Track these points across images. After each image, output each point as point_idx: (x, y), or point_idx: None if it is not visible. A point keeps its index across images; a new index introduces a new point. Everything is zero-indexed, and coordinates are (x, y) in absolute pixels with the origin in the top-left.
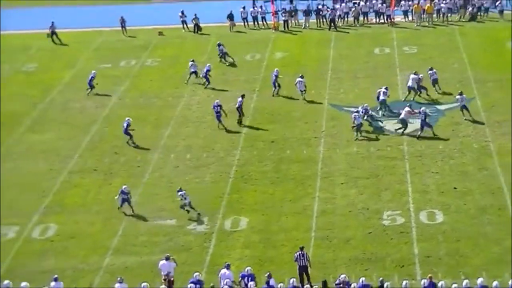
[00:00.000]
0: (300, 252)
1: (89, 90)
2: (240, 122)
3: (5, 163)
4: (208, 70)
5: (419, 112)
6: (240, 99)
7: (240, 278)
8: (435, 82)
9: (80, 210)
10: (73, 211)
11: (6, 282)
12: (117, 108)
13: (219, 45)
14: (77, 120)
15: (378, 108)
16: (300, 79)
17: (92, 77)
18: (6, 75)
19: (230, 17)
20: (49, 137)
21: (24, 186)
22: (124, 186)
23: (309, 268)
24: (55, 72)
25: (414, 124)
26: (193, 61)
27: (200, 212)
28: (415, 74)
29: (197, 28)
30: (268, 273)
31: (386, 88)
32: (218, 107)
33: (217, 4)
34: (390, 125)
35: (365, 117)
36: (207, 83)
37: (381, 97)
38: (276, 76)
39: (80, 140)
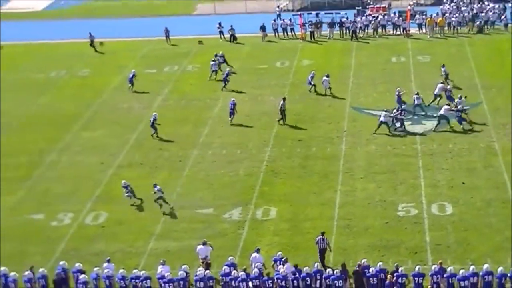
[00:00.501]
0: (320, 237)
1: (130, 86)
2: (280, 121)
3: (62, 157)
4: (227, 74)
5: (456, 110)
6: (282, 102)
7: (273, 262)
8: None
9: (127, 199)
10: (121, 201)
11: (61, 262)
12: (161, 109)
13: (216, 55)
14: (125, 119)
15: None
16: (325, 78)
17: (132, 75)
18: (63, 79)
19: (263, 28)
20: (100, 135)
21: (79, 178)
22: (123, 181)
23: (328, 251)
24: (106, 77)
25: (427, 125)
26: (214, 60)
27: (173, 206)
28: (441, 83)
29: (233, 38)
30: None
31: (417, 94)
32: (233, 105)
33: (251, 16)
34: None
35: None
36: (223, 85)
37: (416, 102)
38: (312, 78)
39: (128, 137)
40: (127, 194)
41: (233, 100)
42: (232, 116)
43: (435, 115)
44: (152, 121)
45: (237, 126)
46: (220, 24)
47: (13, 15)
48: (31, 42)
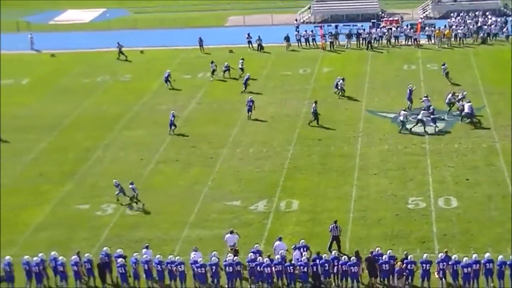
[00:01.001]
0: (334, 225)
1: (166, 85)
2: (312, 122)
3: (106, 154)
4: (247, 79)
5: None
6: (314, 105)
7: (297, 249)
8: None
9: (164, 192)
10: (158, 193)
11: (105, 248)
12: (195, 111)
13: (212, 62)
14: (163, 120)
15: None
16: (341, 81)
17: (167, 75)
18: (107, 83)
19: (287, 38)
20: (141, 134)
21: (121, 172)
22: (114, 180)
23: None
24: (146, 82)
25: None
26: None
27: (144, 203)
28: (451, 94)
29: (260, 47)
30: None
31: (426, 96)
32: (251, 102)
33: (276, 28)
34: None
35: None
36: (243, 89)
37: (426, 104)
38: (338, 83)
39: (165, 136)
40: (117, 193)
41: (251, 98)
42: (250, 113)
43: (442, 117)
44: (171, 118)
45: (263, 126)
46: (248, 34)
47: (64, 26)
48: (80, 51)
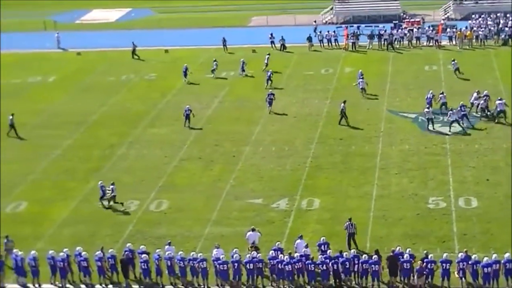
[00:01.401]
0: (349, 222)
1: (185, 80)
2: (341, 120)
3: (130, 151)
4: (271, 74)
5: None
6: (342, 104)
7: (318, 247)
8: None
9: (187, 189)
10: (181, 190)
11: (128, 244)
12: (218, 109)
13: (215, 60)
14: None
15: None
16: (361, 79)
17: (185, 69)
18: (132, 82)
19: (309, 39)
20: (165, 131)
21: (145, 169)
22: (100, 182)
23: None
24: (171, 80)
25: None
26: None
27: (123, 202)
28: (477, 93)
29: (283, 47)
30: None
31: (442, 93)
32: (271, 95)
33: (299, 28)
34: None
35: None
36: (266, 84)
37: (442, 100)
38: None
39: (189, 134)
40: (102, 195)
41: (271, 91)
42: (270, 107)
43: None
44: (187, 112)
45: (285, 125)
46: (271, 35)
47: (90, 25)
48: (105, 49)
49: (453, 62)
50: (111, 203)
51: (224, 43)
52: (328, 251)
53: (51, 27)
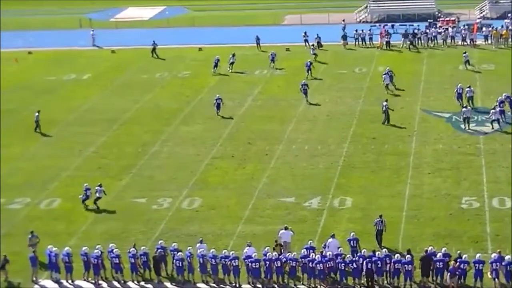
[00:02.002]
0: (379, 219)
1: (214, 71)
2: (385, 122)
3: (163, 148)
4: (310, 64)
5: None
6: (385, 103)
7: (347, 242)
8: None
9: (219, 187)
10: (214, 188)
11: (160, 242)
12: (251, 107)
13: (233, 55)
14: (220, 116)
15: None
16: (386, 74)
17: (217, 60)
18: (166, 79)
19: (344, 37)
20: (197, 129)
21: (177, 167)
22: (85, 184)
23: (383, 232)
24: (204, 78)
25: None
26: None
27: (98, 207)
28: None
29: (319, 45)
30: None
31: (469, 87)
32: (305, 86)
33: (333, 27)
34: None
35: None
36: (307, 74)
37: (468, 94)
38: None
39: (221, 132)
40: (84, 197)
41: (304, 81)
42: (306, 96)
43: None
44: (218, 101)
45: (318, 124)
46: (305, 33)
47: (125, 23)
48: (139, 47)
49: (464, 55)
50: (94, 206)
51: (257, 42)
52: (363, 250)
53: (86, 25)
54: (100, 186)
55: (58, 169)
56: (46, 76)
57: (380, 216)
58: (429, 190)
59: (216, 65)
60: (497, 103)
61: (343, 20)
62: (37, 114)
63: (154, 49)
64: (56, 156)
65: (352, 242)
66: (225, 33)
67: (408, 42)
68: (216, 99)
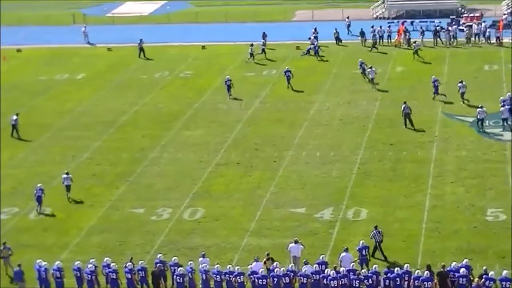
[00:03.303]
0: (375, 231)
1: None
2: (406, 125)
3: (163, 154)
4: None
5: None
6: (404, 105)
7: (358, 252)
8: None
9: (223, 196)
10: (217, 197)
11: (159, 255)
12: (259, 111)
13: (252, 44)
14: (224, 119)
15: None
16: (370, 69)
17: (227, 80)
18: (166, 80)
19: (362, 33)
20: (200, 133)
21: (178, 174)
22: (39, 184)
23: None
24: (208, 78)
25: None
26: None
27: (70, 197)
28: None
29: (338, 40)
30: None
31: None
32: (289, 72)
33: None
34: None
35: None
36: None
37: (461, 90)
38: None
39: (226, 137)
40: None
41: (287, 68)
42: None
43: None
44: (227, 83)
45: (331, 129)
46: (315, 29)
47: (122, 19)
48: (137, 45)
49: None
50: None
51: (264, 38)
52: (375, 266)
53: (80, 20)
54: (67, 174)
55: (49, 177)
56: (37, 76)
57: (376, 227)
58: (451, 201)
59: (229, 88)
60: (503, 102)
61: (347, 18)
62: (15, 117)
63: (141, 49)
64: (47, 162)
65: (363, 251)
66: (230, 30)
67: (442, 40)
68: (226, 81)
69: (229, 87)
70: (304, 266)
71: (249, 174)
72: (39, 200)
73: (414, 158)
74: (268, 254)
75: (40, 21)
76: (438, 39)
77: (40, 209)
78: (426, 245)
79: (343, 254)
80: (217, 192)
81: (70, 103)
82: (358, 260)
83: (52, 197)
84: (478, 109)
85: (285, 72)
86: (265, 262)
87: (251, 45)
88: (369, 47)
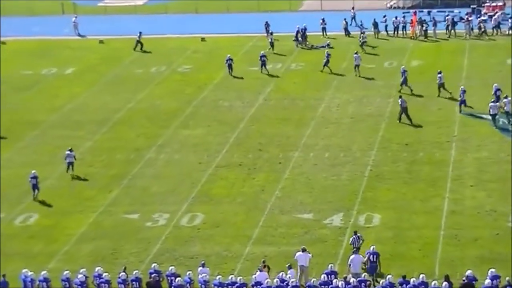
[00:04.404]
0: (355, 236)
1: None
2: (401, 120)
3: (159, 155)
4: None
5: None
6: (400, 99)
7: (366, 256)
8: (441, 85)
9: (225, 201)
10: (218, 202)
11: (154, 265)
12: (263, 108)
13: (272, 33)
14: (226, 117)
15: None
16: (356, 55)
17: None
18: (163, 75)
19: (375, 25)
20: (200, 133)
21: (176, 177)
22: (33, 171)
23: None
24: (208, 73)
25: None
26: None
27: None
28: None
29: (346, 31)
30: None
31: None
32: (264, 57)
33: (357, 14)
34: None
35: None
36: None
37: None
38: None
39: (228, 137)
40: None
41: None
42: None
43: None
44: (228, 62)
45: (341, 128)
46: (323, 20)
47: (115, 9)
48: (133, 37)
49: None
50: (71, 172)
51: (267, 28)
52: (388, 277)
53: (70, 10)
54: (71, 150)
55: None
56: (23, 70)
57: (355, 233)
58: (471, 206)
59: (230, 66)
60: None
61: (353, 8)
62: None
63: (139, 42)
64: (35, 164)
65: (372, 256)
66: (232, 21)
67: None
68: (227, 60)
69: (230, 66)
70: (289, 270)
71: (252, 177)
72: (34, 188)
73: (431, 159)
74: (263, 262)
75: (26, 11)
76: (455, 31)
77: (35, 195)
78: (444, 253)
79: (352, 256)
80: (218, 196)
81: (59, 99)
82: (367, 266)
83: (40, 202)
84: (491, 104)
85: (260, 56)
86: (260, 270)
87: (271, 33)
88: (384, 39)
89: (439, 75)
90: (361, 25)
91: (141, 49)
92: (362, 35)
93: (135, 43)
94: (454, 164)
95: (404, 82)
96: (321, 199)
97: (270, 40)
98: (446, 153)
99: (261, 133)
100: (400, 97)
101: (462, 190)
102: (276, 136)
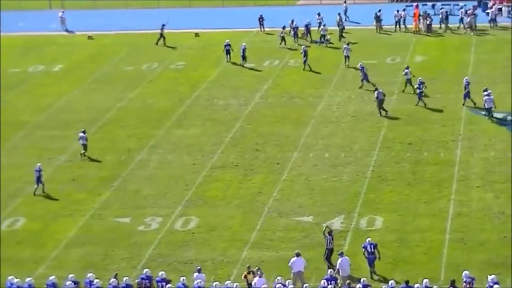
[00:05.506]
0: (329, 237)
1: (227, 57)
2: (381, 114)
3: (152, 156)
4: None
5: None
6: (376, 92)
7: (363, 248)
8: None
9: (220, 204)
10: (214, 205)
11: (145, 270)
12: (260, 107)
13: (284, 26)
14: (221, 116)
15: None
16: (346, 46)
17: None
18: (155, 72)
19: (377, 18)
20: (194, 133)
21: (169, 179)
22: (38, 164)
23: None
24: (202, 70)
25: None
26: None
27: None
28: None
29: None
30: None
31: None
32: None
33: (359, 7)
34: None
35: None
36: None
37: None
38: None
39: (223, 136)
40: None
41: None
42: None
43: None
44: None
45: (341, 127)
46: (319, 14)
47: (105, 3)
48: (122, 32)
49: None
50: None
51: (261, 22)
52: (391, 282)
53: (57, 4)
54: (84, 132)
55: (22, 182)
56: (8, 67)
57: (330, 233)
58: (478, 208)
59: (228, 52)
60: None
61: (345, 2)
62: None
63: (161, 35)
64: (21, 166)
65: (369, 247)
66: (227, 15)
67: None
68: (226, 45)
69: (228, 52)
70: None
71: (249, 178)
72: (38, 181)
73: (436, 159)
74: (249, 267)
75: (11, 5)
76: (461, 24)
77: (37, 190)
78: (449, 257)
79: (340, 260)
80: (213, 198)
81: (46, 98)
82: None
83: (26, 206)
84: (485, 97)
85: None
86: (245, 276)
87: (283, 27)
88: (386, 33)
89: (406, 70)
90: (319, 16)
91: (164, 43)
92: (322, 27)
93: (158, 36)
94: (460, 164)
95: (467, 95)
96: (321, 201)
97: (281, 34)
98: (452, 152)
99: (258, 132)
100: (376, 89)
101: (469, 192)
102: (274, 135)
